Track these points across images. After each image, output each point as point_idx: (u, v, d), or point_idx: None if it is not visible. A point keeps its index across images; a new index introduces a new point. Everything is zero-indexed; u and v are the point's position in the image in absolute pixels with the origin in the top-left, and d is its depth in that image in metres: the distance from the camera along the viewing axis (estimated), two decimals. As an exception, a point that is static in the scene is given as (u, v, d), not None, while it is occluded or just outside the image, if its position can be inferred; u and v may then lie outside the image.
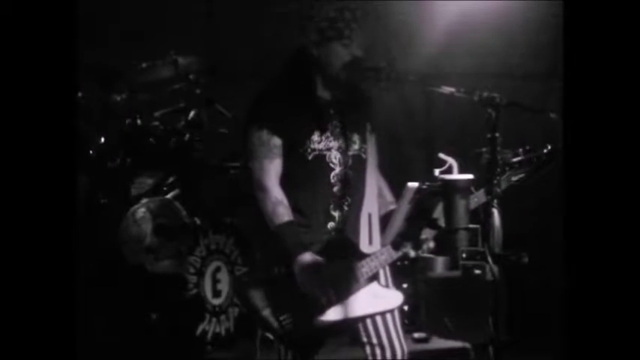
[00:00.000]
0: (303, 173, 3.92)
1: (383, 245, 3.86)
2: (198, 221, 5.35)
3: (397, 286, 4.01)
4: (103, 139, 5.47)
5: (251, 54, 6.41)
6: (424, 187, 3.77)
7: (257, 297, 3.81)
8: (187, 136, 5.57)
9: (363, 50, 3.87)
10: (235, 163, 5.64)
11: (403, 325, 4.11)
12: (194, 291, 5.24)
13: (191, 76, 5.67)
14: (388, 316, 3.95)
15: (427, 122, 6.91)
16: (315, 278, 3.77)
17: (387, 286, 3.95)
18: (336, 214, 3.92)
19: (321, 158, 3.91)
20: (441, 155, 3.82)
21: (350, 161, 3.94)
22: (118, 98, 5.58)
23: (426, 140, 6.82)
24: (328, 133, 3.92)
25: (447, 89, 3.73)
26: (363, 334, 3.96)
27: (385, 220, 3.93)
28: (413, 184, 3.79)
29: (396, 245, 3.84)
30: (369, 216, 3.92)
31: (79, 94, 5.39)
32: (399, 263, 3.99)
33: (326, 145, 3.92)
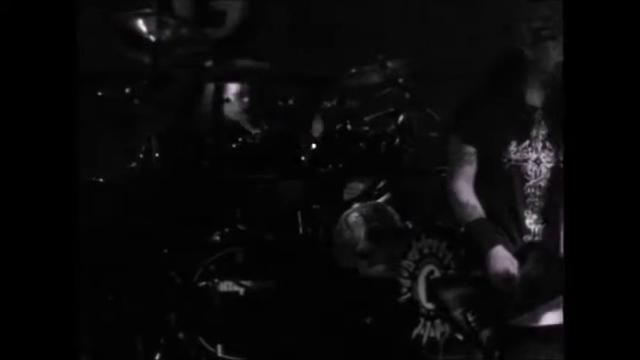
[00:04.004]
0: (497, 183, 3.86)
1: None
2: (410, 225, 5.32)
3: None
4: (314, 146, 5.52)
5: (459, 55, 6.35)
6: None
7: (449, 297, 3.77)
8: (397, 140, 5.55)
9: None
10: (447, 166, 5.57)
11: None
12: (408, 295, 5.19)
13: (400, 80, 5.66)
14: None
15: None
16: (507, 273, 3.70)
17: None
18: (531, 227, 3.83)
19: (516, 169, 3.83)
20: None
21: (548, 174, 3.83)
22: (329, 104, 5.63)
23: None
24: (526, 143, 3.82)
25: None
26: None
27: None
28: None
29: None
30: None
31: (288, 102, 5.50)
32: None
33: (522, 155, 3.84)
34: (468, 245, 3.93)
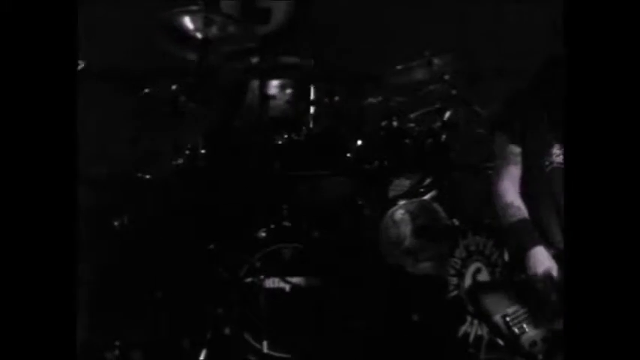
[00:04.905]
0: (540, 184, 3.85)
1: None
2: (456, 222, 5.30)
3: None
4: (359, 142, 5.52)
5: (505, 54, 6.32)
6: None
7: (490, 301, 3.76)
8: (444, 136, 5.54)
9: None
10: (492, 164, 5.55)
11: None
12: (454, 293, 5.18)
13: (446, 77, 5.64)
14: None
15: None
16: (548, 274, 3.68)
17: None
18: None
19: (558, 171, 3.81)
20: None
21: None
22: (374, 101, 5.63)
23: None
24: None
25: None
26: None
27: None
28: None
29: None
30: None
31: (334, 99, 5.51)
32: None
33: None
34: (510, 246, 3.91)
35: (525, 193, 3.94)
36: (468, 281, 5.20)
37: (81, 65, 4.31)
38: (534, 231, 3.86)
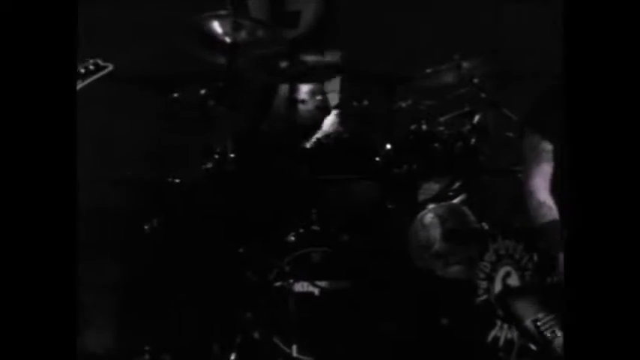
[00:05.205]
0: None
1: None
2: (486, 226, 5.27)
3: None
4: (389, 146, 5.50)
5: (534, 56, 6.29)
6: None
7: (520, 306, 3.72)
8: (473, 140, 5.51)
9: None
10: (523, 164, 5.52)
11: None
12: (484, 297, 5.15)
13: (476, 80, 5.61)
14: None
15: None
16: None
17: None
18: None
19: None
20: None
21: None
22: (403, 105, 5.61)
23: None
24: None
25: None
26: None
27: None
28: None
29: None
30: None
31: (363, 103, 5.51)
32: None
33: None
34: (540, 247, 3.87)
35: (556, 192, 3.89)
36: (497, 286, 5.18)
37: (109, 68, 4.33)
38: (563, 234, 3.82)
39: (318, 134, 5.53)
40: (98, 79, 4.29)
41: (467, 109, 5.65)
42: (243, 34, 5.49)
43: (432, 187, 5.51)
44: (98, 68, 4.32)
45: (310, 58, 5.66)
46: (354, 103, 5.65)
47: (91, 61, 4.31)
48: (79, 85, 4.23)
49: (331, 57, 5.67)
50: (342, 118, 5.62)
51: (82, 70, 4.28)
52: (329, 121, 5.61)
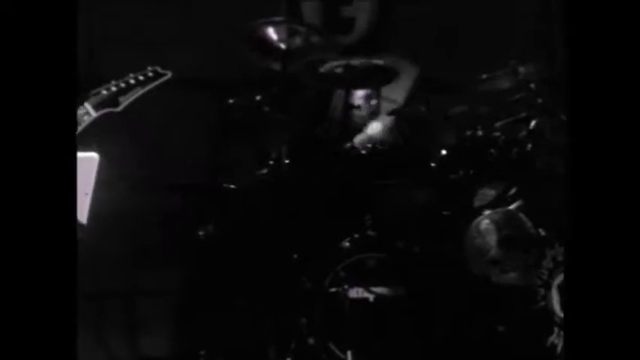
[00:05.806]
0: None
1: None
2: (543, 232, 5.23)
3: None
4: (444, 152, 5.48)
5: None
6: None
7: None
8: (529, 146, 5.47)
9: None
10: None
11: None
12: (541, 304, 5.11)
13: (532, 85, 5.57)
14: None
15: None
16: None
17: None
18: None
19: None
20: None
21: None
22: (459, 110, 5.59)
23: None
24: None
25: None
26: None
27: None
28: None
29: None
30: None
31: (423, 108, 5.49)
32: None
33: None
34: None
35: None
36: (554, 292, 5.14)
37: (168, 76, 4.36)
38: None
39: (359, 137, 5.52)
40: (157, 86, 4.33)
41: (523, 114, 5.60)
42: (297, 41, 5.51)
43: (488, 194, 5.48)
44: (157, 75, 4.36)
45: (363, 63, 5.65)
46: (409, 109, 5.64)
47: (150, 68, 4.34)
48: (139, 92, 4.27)
49: (385, 62, 5.66)
50: (394, 124, 5.61)
51: (142, 78, 4.32)
52: (375, 127, 5.60)
